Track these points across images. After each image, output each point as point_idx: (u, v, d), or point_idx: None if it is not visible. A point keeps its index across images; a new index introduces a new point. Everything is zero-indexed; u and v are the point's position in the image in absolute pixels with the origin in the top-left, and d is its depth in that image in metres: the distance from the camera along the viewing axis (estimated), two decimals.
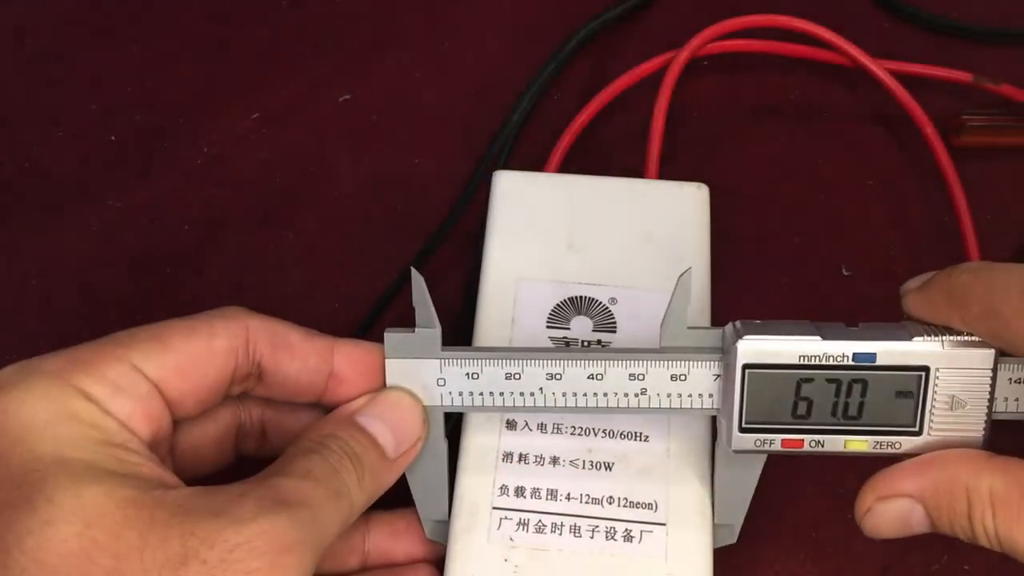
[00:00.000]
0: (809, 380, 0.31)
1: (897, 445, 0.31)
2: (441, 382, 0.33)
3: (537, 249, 0.39)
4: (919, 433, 0.31)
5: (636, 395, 0.33)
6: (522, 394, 0.33)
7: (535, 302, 0.38)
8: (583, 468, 0.35)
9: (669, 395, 0.33)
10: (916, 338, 0.30)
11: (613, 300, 0.37)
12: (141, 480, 0.28)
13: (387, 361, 0.33)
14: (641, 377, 0.33)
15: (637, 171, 0.44)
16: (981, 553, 0.38)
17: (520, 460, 0.35)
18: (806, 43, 0.50)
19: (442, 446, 0.34)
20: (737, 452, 0.32)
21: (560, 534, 0.34)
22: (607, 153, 0.48)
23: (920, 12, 0.52)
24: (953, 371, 0.30)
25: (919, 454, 0.31)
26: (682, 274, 0.32)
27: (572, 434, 0.35)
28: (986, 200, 0.47)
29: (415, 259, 0.45)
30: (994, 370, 0.30)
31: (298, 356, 0.33)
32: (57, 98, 0.51)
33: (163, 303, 0.45)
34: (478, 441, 0.35)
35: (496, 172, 0.41)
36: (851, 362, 0.31)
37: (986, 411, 0.31)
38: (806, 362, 0.31)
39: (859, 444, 0.32)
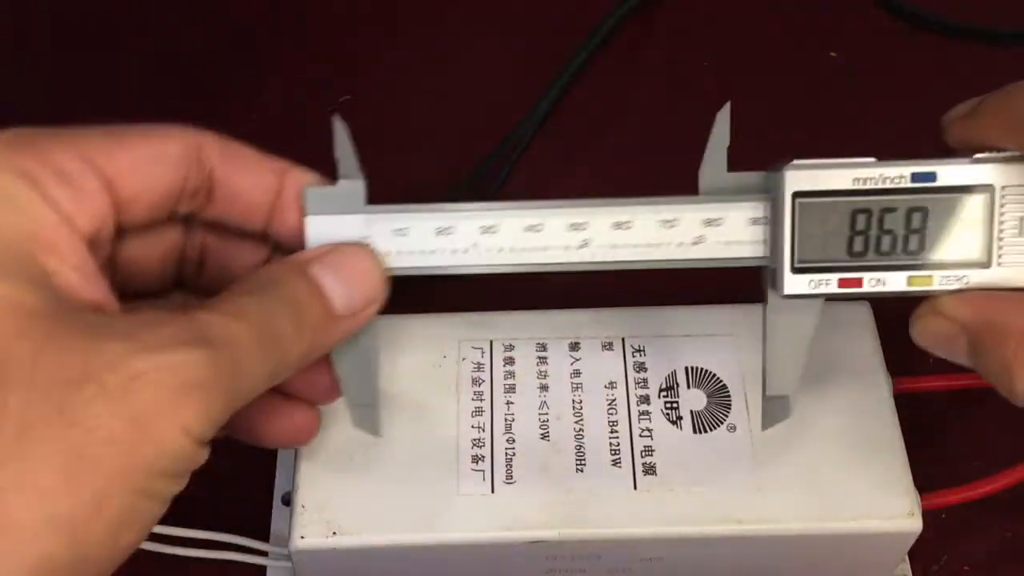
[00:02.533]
0: (865, 210, 0.29)
1: (965, 280, 0.29)
2: (366, 240, 0.30)
3: None
4: (988, 265, 0.29)
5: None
6: (455, 251, 0.30)
7: None
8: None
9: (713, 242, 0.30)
10: (977, 156, 0.28)
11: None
12: (52, 291, 0.25)
13: (307, 219, 0.30)
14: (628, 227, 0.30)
15: None
16: (981, 553, 0.38)
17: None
18: None
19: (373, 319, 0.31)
20: (789, 297, 0.29)
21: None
22: None
23: (920, 12, 0.52)
24: (1020, 189, 0.28)
25: (990, 289, 0.29)
26: (721, 111, 0.30)
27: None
28: None
29: None
30: None
31: (251, 170, 0.31)
32: (57, 98, 0.51)
33: None
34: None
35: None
36: (909, 184, 0.28)
37: None
38: (861, 187, 0.28)
39: (923, 280, 0.29)
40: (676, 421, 0.35)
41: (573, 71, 0.49)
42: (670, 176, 0.48)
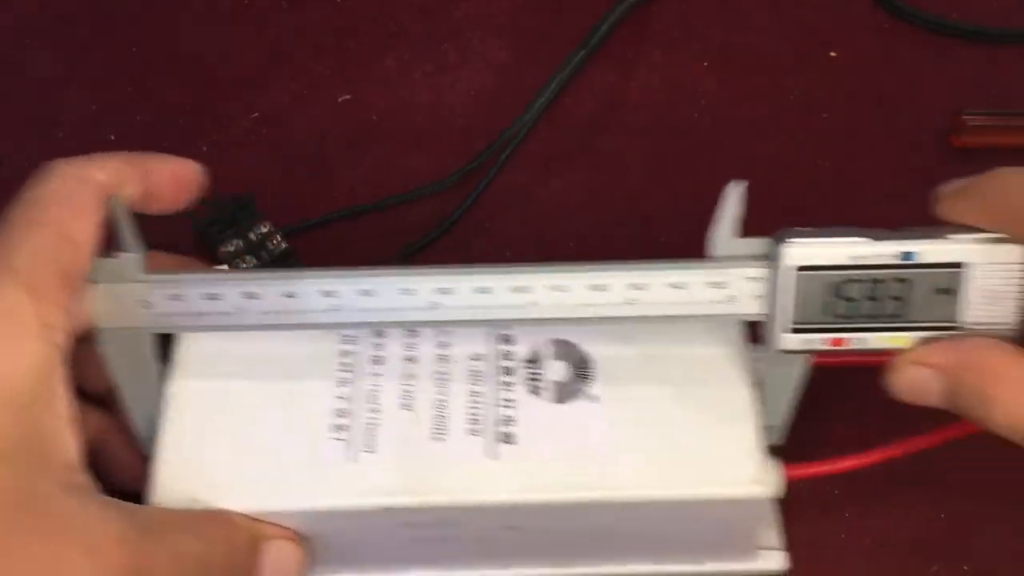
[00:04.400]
0: (855, 281, 0.32)
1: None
2: (146, 305, 0.34)
3: None
4: (957, 329, 0.32)
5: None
6: (223, 314, 0.34)
7: None
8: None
9: (712, 302, 0.33)
10: (951, 236, 0.32)
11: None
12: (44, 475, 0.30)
13: (93, 286, 0.34)
14: (644, 288, 0.33)
15: None
16: (981, 553, 0.38)
17: None
18: None
19: (155, 367, 0.35)
20: (786, 352, 0.33)
21: None
22: None
23: (920, 12, 0.52)
24: (987, 266, 0.32)
25: None
26: (730, 184, 0.33)
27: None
28: None
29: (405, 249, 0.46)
30: None
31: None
32: (57, 98, 0.51)
33: None
34: None
35: None
36: (895, 261, 0.32)
37: (1019, 303, 0.32)
38: (853, 263, 0.32)
39: (900, 341, 0.33)
40: (538, 392, 0.35)
41: (571, 70, 0.49)
42: (669, 177, 0.48)
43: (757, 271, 0.33)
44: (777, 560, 0.37)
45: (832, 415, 0.40)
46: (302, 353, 0.36)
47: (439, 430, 0.34)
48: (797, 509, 0.38)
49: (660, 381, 0.35)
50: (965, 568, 0.38)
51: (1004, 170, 0.31)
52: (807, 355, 0.34)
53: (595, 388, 0.35)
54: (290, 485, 0.34)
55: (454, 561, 0.37)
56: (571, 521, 0.34)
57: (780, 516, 0.38)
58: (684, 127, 0.50)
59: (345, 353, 0.36)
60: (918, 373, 0.32)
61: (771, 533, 0.38)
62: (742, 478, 0.33)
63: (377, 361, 0.36)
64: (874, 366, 0.36)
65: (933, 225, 0.33)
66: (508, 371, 0.36)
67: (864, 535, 0.39)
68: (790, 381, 0.34)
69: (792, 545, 0.38)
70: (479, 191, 0.47)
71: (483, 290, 0.33)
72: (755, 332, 0.35)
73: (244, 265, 0.44)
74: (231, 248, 0.45)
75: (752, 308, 0.33)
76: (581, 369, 0.36)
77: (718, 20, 0.53)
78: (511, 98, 0.49)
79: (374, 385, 0.35)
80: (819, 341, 0.33)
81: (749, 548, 0.37)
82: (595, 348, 0.36)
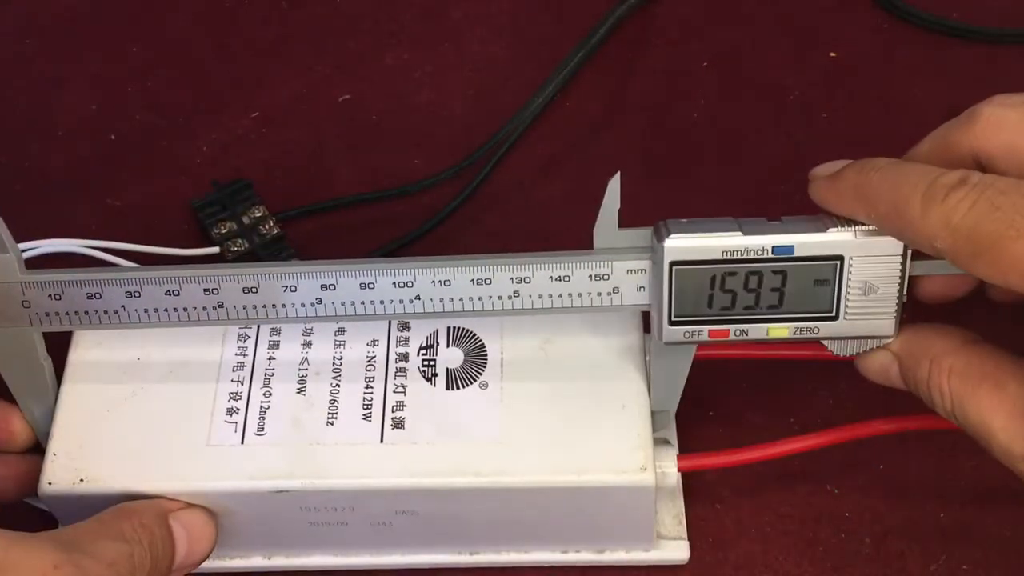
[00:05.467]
0: (732, 274, 0.32)
1: (816, 330, 0.33)
2: (26, 304, 0.34)
3: None
4: (835, 318, 0.33)
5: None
6: (106, 312, 0.34)
7: None
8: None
9: (596, 294, 0.33)
10: (831, 229, 0.32)
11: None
12: None
13: None
14: (527, 281, 0.33)
15: None
16: (981, 553, 0.38)
17: None
18: None
19: (44, 364, 0.35)
20: (668, 344, 0.33)
21: None
22: None
23: (920, 12, 0.52)
24: (865, 259, 0.32)
25: (836, 337, 0.33)
26: (612, 178, 0.32)
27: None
28: None
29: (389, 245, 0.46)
30: (904, 255, 0.32)
31: None
32: (57, 98, 0.51)
33: None
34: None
35: None
36: (771, 255, 0.32)
37: (897, 294, 0.32)
38: (728, 256, 0.32)
39: (780, 331, 0.33)
40: (431, 378, 0.36)
41: (571, 70, 0.50)
42: (669, 178, 0.48)
43: (639, 263, 0.33)
44: (679, 549, 0.38)
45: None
46: (200, 336, 0.36)
47: (332, 414, 0.35)
48: (699, 498, 0.39)
49: (555, 367, 0.36)
50: (964, 568, 0.38)
51: (873, 162, 0.31)
52: (692, 346, 0.34)
53: (488, 375, 0.36)
54: (180, 467, 0.34)
55: (355, 546, 0.37)
56: (462, 507, 0.35)
57: (683, 505, 0.38)
58: (684, 127, 0.50)
59: (243, 337, 0.37)
60: (878, 357, 0.33)
61: (672, 522, 0.38)
62: (626, 466, 0.34)
63: (273, 345, 0.37)
64: (789, 360, 0.38)
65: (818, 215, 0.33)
66: (403, 357, 0.36)
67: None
68: (678, 372, 0.35)
69: (694, 534, 0.38)
70: (472, 188, 0.47)
71: (366, 285, 0.33)
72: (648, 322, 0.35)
73: (235, 248, 0.44)
74: (223, 230, 0.45)
75: (636, 300, 0.33)
76: (475, 356, 0.36)
77: (718, 20, 0.53)
78: (511, 98, 0.49)
79: (269, 369, 0.36)
80: (701, 333, 0.33)
81: (649, 537, 0.37)
82: (492, 334, 0.37)
